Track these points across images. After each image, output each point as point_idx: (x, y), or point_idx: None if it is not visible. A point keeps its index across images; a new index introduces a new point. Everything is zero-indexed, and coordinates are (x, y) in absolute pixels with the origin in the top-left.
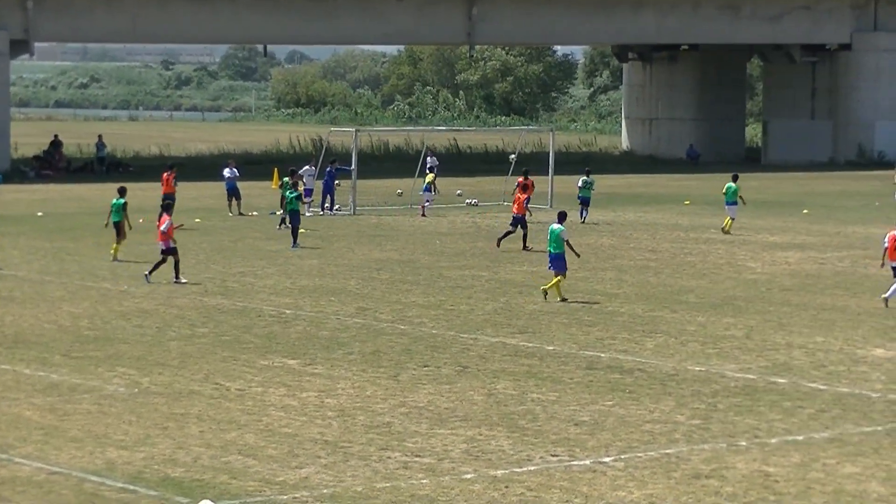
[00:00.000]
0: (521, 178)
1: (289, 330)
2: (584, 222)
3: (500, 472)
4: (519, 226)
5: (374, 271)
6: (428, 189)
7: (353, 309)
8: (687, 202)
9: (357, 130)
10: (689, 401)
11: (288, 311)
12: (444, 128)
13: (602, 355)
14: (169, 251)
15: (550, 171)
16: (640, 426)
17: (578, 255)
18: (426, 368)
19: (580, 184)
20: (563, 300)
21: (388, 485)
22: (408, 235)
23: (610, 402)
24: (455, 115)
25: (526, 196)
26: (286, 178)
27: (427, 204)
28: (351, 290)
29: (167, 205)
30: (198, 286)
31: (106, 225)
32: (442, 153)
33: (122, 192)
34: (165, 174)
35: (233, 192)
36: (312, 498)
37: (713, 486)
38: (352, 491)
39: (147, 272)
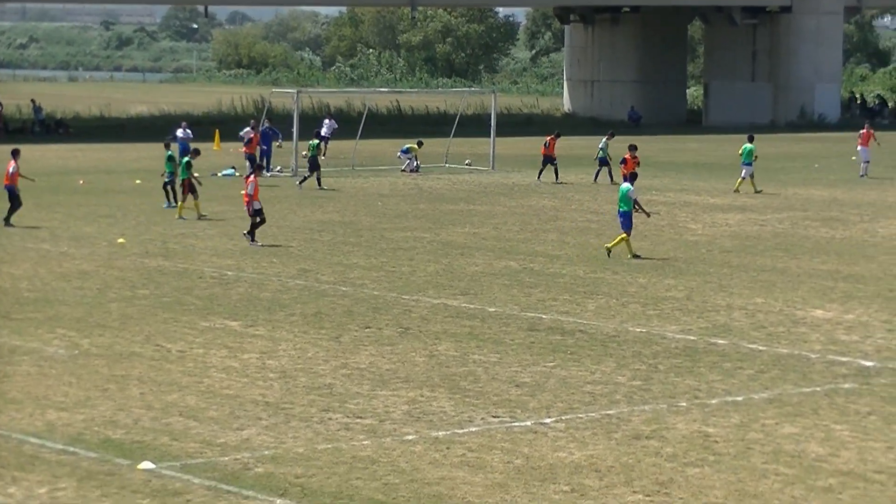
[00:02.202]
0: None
1: (230, 292)
2: (595, 181)
3: (441, 434)
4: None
5: (315, 233)
6: (406, 151)
7: (295, 270)
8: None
9: (298, 92)
10: (629, 362)
11: (229, 273)
12: (385, 89)
13: (543, 317)
14: (256, 212)
15: (492, 132)
16: (581, 387)
17: (648, 215)
18: (368, 330)
19: (601, 145)
20: (636, 257)
21: (329, 446)
22: (349, 197)
23: (551, 364)
24: (397, 76)
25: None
26: (315, 142)
27: (409, 164)
28: (292, 252)
29: (258, 166)
30: (139, 248)
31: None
32: (384, 115)
33: (196, 152)
34: (252, 133)
35: (185, 154)
36: (254, 459)
37: (653, 447)
38: (293, 452)
39: (246, 233)
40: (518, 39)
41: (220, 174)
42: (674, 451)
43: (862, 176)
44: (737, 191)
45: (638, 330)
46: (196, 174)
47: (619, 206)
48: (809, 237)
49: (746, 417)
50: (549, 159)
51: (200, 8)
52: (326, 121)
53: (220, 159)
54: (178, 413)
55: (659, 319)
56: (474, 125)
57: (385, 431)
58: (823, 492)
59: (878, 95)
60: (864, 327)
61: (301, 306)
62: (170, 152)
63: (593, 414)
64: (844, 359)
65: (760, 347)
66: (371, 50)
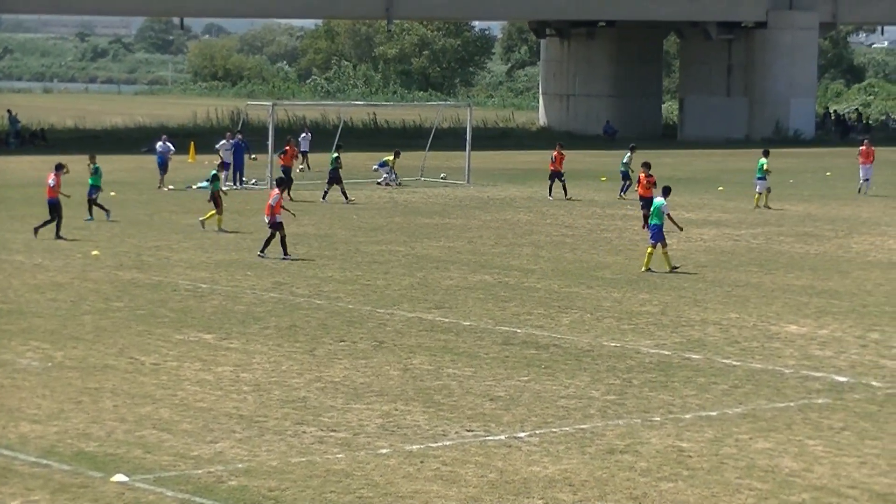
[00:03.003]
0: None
1: (204, 304)
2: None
3: (415, 447)
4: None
5: (290, 246)
6: (383, 164)
7: (269, 283)
8: (603, 178)
9: (274, 105)
10: (604, 376)
11: (203, 286)
12: (361, 103)
13: (518, 331)
14: (275, 226)
15: (468, 146)
16: (556, 401)
17: (681, 229)
18: (342, 343)
19: (624, 159)
20: (675, 268)
21: (303, 459)
22: (324, 210)
23: (525, 378)
24: (373, 89)
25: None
26: (335, 155)
27: (386, 177)
28: (267, 265)
29: (280, 179)
30: (113, 260)
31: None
32: (359, 128)
33: (223, 166)
34: (288, 146)
35: (163, 166)
36: (227, 472)
37: (627, 462)
38: (267, 465)
39: (259, 251)
40: (494, 53)
41: (195, 186)
42: (648, 465)
43: (860, 192)
44: (758, 206)
45: (612, 344)
46: (224, 188)
47: (651, 220)
48: (784, 252)
49: (720, 432)
50: (556, 174)
51: (176, 20)
52: (304, 134)
53: (196, 172)
54: (151, 426)
55: (633, 334)
56: (450, 139)
57: (359, 445)
58: None
59: (857, 110)
60: (838, 343)
61: (275, 319)
62: (96, 165)
63: (567, 428)
64: (818, 374)
65: (734, 362)
66: (347, 63)
